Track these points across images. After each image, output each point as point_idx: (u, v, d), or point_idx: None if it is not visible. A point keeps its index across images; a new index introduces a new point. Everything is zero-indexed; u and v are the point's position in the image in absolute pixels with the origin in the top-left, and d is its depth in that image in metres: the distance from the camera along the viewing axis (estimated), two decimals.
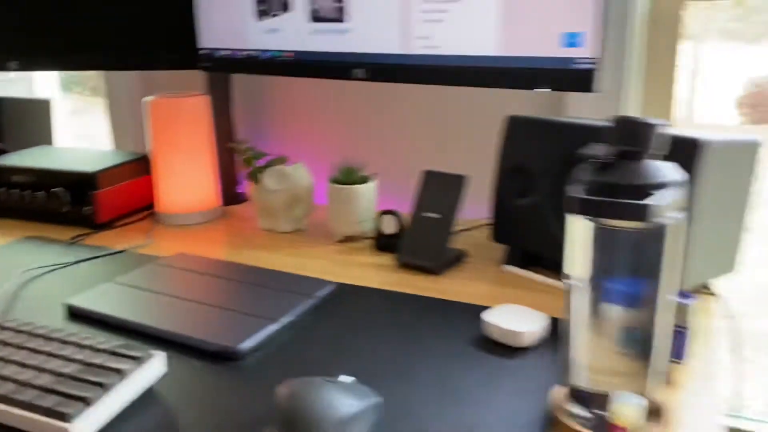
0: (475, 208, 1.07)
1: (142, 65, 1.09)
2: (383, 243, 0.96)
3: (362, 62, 0.86)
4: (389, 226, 0.96)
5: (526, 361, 0.65)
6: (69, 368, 0.58)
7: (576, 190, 0.48)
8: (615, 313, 0.50)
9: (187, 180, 1.09)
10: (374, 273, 0.88)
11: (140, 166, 1.14)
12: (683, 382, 0.61)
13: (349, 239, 1.01)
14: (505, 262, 0.89)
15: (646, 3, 0.96)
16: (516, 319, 0.69)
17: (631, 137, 0.48)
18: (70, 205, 1.07)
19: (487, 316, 0.70)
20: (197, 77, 1.16)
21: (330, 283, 0.82)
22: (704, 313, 0.75)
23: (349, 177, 0.98)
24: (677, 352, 0.61)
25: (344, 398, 0.53)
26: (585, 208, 0.46)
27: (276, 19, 0.89)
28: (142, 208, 1.16)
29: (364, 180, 0.99)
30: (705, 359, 0.65)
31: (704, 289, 0.80)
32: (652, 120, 0.48)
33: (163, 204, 1.11)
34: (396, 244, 0.93)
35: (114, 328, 0.72)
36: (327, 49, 0.88)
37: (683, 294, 0.60)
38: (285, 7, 0.87)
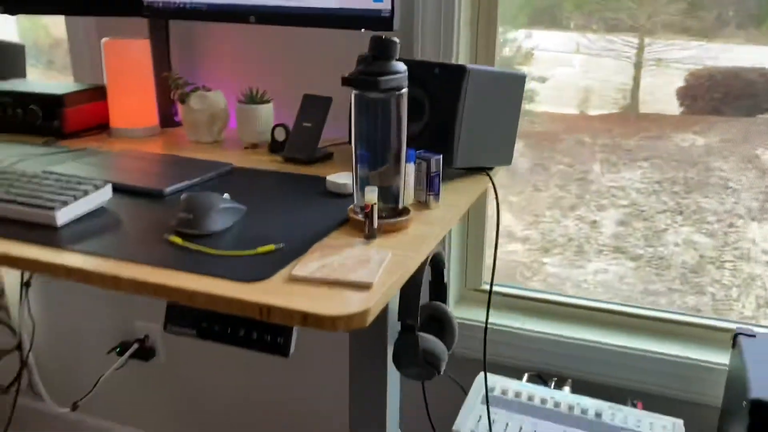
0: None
1: (98, 11, 1.44)
2: (276, 146, 1.33)
3: (254, 11, 1.23)
4: (280, 135, 1.32)
5: (347, 199, 1.03)
6: (53, 187, 0.94)
7: (346, 75, 0.85)
8: (360, 164, 0.89)
9: (133, 103, 1.44)
10: (266, 163, 1.25)
11: (97, 92, 1.49)
12: (434, 208, 1.00)
13: (253, 146, 1.37)
14: None
15: None
16: (346, 178, 1.07)
17: (379, 47, 0.86)
18: (42, 119, 1.41)
19: (329, 177, 1.08)
20: (143, 24, 1.50)
21: (230, 164, 1.19)
22: (478, 183, 1.14)
23: (253, 99, 1.35)
24: (433, 189, 1.00)
25: (222, 200, 0.91)
26: (346, 82, 0.84)
27: None
28: (100, 126, 1.50)
29: (263, 102, 1.35)
30: (457, 202, 1.05)
31: (486, 171, 1.20)
32: (393, 38, 0.86)
33: (115, 122, 1.45)
34: (284, 147, 1.30)
35: None
36: (230, 3, 1.25)
37: (432, 153, 0.99)
38: None
